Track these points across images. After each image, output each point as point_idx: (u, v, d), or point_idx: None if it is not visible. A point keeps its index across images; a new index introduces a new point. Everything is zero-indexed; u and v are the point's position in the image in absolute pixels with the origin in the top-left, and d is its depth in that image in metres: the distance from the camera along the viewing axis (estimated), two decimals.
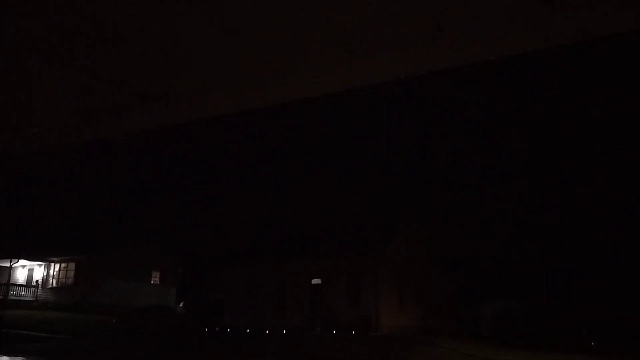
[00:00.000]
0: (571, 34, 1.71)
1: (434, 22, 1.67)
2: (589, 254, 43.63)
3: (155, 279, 40.78)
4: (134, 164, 69.68)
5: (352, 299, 29.72)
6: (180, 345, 24.71)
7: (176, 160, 71.98)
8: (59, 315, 31.51)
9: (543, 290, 41.71)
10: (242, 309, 32.85)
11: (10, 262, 36.50)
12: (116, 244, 38.80)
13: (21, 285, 37.85)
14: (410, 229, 33.29)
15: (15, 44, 1.96)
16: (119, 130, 2.68)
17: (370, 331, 27.52)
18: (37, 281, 38.08)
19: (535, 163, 56.97)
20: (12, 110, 2.47)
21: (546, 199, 59.24)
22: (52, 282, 37.91)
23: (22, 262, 38.03)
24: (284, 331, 28.36)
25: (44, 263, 38.45)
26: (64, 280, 37.50)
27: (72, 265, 37.31)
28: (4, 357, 16.08)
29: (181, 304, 35.77)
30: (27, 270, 39.40)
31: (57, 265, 37.99)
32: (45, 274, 38.37)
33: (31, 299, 36.77)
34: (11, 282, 36.37)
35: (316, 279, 31.40)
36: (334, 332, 27.51)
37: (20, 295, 36.55)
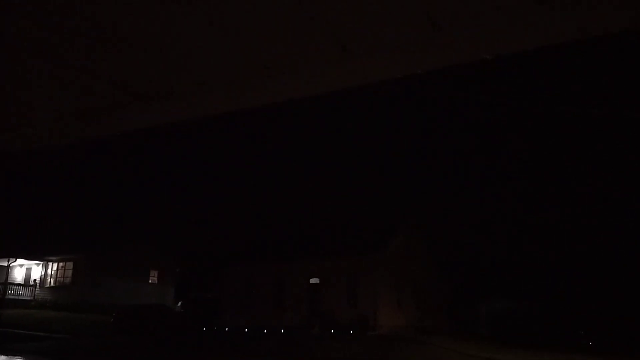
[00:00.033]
0: (569, 33, 1.72)
1: (431, 21, 1.68)
2: (588, 254, 43.67)
3: (153, 279, 40.70)
4: (133, 163, 69.68)
5: (351, 298, 29.70)
6: (178, 344, 24.69)
7: (175, 159, 71.98)
8: (56, 315, 31.47)
9: (542, 289, 41.70)
10: (241, 308, 32.84)
11: (8, 261, 36.49)
12: (114, 243, 38.73)
13: (19, 285, 37.78)
14: (409, 229, 33.28)
15: (15, 44, 1.96)
16: (118, 129, 2.69)
17: (369, 331, 27.52)
18: (34, 280, 38.02)
19: (534, 163, 57.08)
20: (12, 110, 2.48)
21: (546, 198, 59.35)
22: (50, 282, 37.85)
23: (19, 261, 38.02)
24: (283, 331, 28.37)
25: (41, 262, 38.38)
26: (61, 279, 37.43)
27: (70, 265, 37.24)
28: (2, 356, 16.05)
29: (179, 304, 35.73)
30: (24, 270, 39.34)
31: (55, 265, 37.92)
32: (43, 273, 38.32)
33: (29, 298, 36.73)
34: (9, 281, 36.33)
35: (315, 279, 31.39)
36: (333, 331, 27.52)
37: (18, 295, 36.51)
